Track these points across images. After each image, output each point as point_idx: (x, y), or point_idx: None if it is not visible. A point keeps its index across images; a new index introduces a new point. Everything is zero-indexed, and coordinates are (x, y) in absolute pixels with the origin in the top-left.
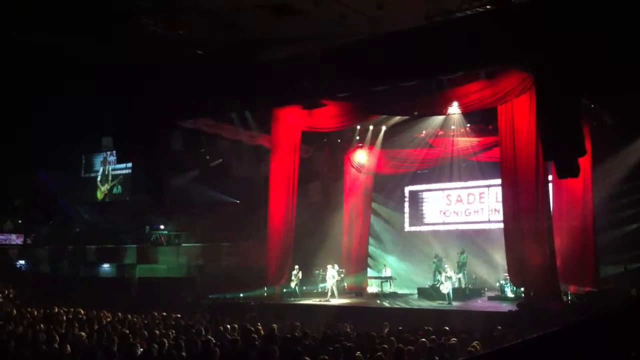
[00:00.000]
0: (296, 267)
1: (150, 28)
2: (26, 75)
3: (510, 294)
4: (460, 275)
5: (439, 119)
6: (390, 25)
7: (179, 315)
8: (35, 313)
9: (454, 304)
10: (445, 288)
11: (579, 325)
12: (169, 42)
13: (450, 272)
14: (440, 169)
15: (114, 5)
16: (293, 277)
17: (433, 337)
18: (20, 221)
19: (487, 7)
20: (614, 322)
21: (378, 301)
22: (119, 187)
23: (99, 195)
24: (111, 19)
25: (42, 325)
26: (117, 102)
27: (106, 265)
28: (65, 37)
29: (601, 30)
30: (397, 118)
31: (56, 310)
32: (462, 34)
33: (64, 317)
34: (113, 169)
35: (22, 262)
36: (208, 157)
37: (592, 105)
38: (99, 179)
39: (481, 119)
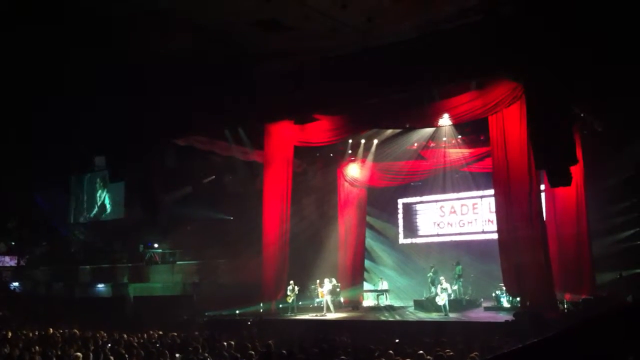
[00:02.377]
0: (291, 282)
1: (140, 46)
2: (14, 93)
3: (506, 304)
4: (456, 286)
5: (430, 130)
6: (380, 38)
7: (176, 334)
8: (31, 335)
9: (451, 315)
10: (441, 299)
11: (576, 330)
12: (160, 59)
13: (445, 284)
14: (433, 180)
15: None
16: (289, 292)
17: (431, 349)
18: (13, 243)
19: (475, 18)
20: (611, 326)
21: (374, 314)
22: (110, 206)
23: (92, 215)
24: (100, 42)
25: (37, 347)
26: (110, 121)
27: (101, 285)
28: (55, 53)
29: (590, 39)
30: (389, 131)
31: (51, 331)
32: (451, 45)
33: (60, 338)
34: (105, 189)
35: (15, 284)
36: (202, 173)
37: (582, 114)
38: (91, 198)
39: (472, 130)
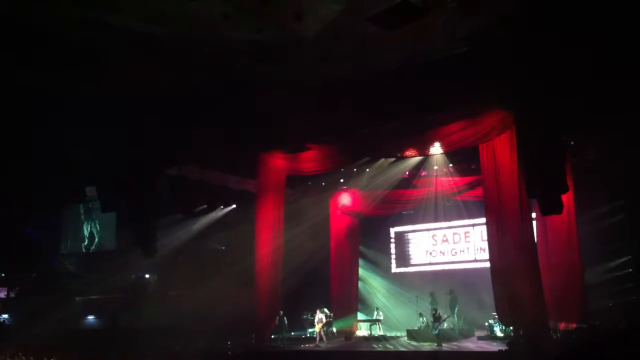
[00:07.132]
0: (280, 312)
1: (131, 75)
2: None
3: (499, 333)
4: (449, 315)
5: (421, 158)
6: (371, 68)
7: None
8: None
9: (444, 345)
10: (435, 329)
11: (571, 355)
12: (152, 90)
13: (438, 313)
14: (425, 209)
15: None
16: (278, 322)
17: None
18: (3, 274)
19: (465, 48)
20: (605, 351)
21: (367, 344)
22: (101, 237)
23: (82, 247)
24: (96, 65)
25: None
26: (101, 152)
27: (92, 317)
28: (43, 82)
29: (580, 67)
30: (381, 160)
31: None
32: (441, 75)
33: None
34: (96, 219)
35: (5, 315)
36: (193, 203)
37: (573, 142)
38: (82, 229)
39: (463, 159)
